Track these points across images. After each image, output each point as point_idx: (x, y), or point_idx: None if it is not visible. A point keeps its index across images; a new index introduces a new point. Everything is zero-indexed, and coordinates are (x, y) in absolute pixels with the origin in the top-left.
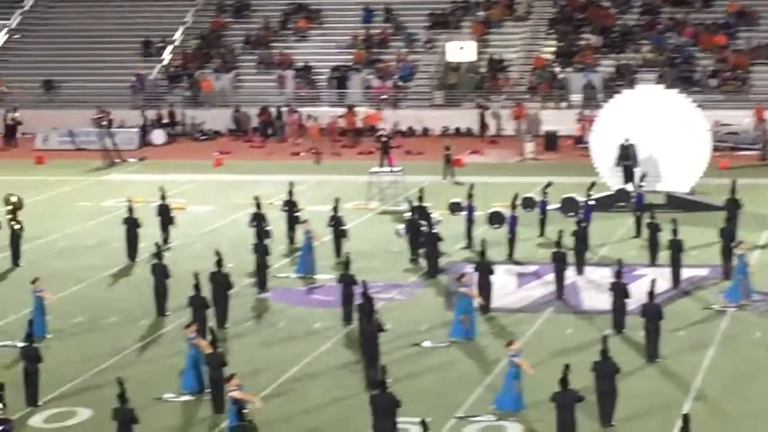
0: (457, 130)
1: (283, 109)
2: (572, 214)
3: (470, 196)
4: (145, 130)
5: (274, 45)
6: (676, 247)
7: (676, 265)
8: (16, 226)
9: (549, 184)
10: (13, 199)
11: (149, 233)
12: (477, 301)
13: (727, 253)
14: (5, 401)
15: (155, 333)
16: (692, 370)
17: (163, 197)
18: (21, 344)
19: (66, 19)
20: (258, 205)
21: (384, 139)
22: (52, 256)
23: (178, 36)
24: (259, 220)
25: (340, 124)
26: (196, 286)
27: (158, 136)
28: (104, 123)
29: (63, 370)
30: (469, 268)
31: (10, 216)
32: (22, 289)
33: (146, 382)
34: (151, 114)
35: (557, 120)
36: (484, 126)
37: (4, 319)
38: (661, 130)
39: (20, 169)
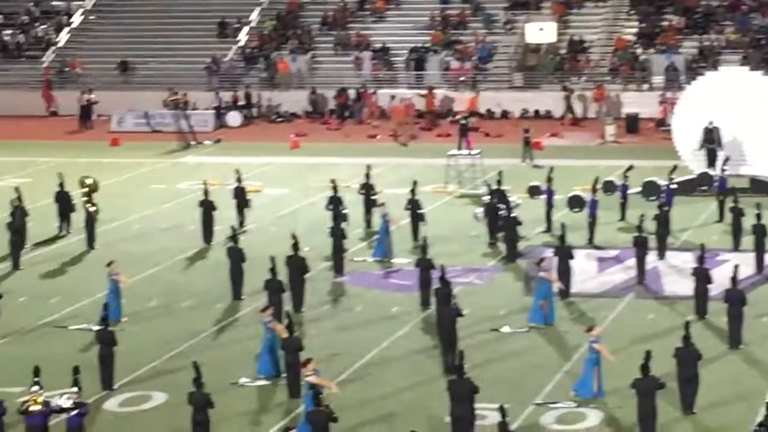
0: (537, 112)
1: (368, 90)
2: (654, 198)
3: (550, 179)
4: (219, 112)
5: (351, 26)
6: (759, 231)
7: (759, 250)
8: (92, 209)
9: (630, 168)
10: (89, 181)
11: (225, 216)
12: (556, 286)
13: None
14: (80, 385)
15: (231, 317)
16: None
17: (239, 180)
18: (96, 328)
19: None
20: (335, 188)
21: (462, 121)
22: (127, 238)
23: (254, 17)
24: (335, 203)
25: (418, 106)
26: (272, 270)
27: (234, 118)
28: (180, 105)
29: (138, 354)
30: (549, 253)
31: (85, 198)
32: (97, 272)
33: (222, 367)
34: (226, 96)
35: (638, 102)
36: (569, 109)
37: (79, 303)
38: (745, 112)
39: (95, 151)
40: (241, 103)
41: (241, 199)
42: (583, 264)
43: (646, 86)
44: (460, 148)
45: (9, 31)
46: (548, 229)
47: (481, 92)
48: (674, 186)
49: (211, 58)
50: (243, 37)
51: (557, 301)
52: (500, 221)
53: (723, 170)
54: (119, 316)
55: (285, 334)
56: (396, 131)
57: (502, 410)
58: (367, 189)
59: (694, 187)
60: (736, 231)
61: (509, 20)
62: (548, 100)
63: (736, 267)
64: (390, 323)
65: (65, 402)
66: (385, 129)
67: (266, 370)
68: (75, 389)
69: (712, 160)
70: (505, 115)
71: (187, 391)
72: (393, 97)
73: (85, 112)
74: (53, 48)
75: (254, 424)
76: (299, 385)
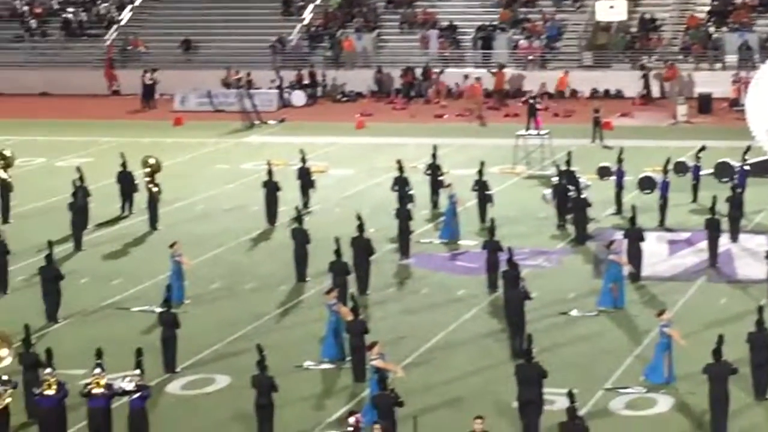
0: (607, 92)
1: (433, 69)
2: (726, 179)
3: (620, 160)
4: (282, 92)
5: (417, 4)
6: None
7: None
8: (154, 189)
9: (702, 149)
10: (151, 161)
11: (289, 197)
12: (627, 269)
13: None
14: (143, 367)
15: (295, 299)
16: None
17: (303, 160)
18: (158, 309)
19: None
20: (401, 169)
21: (531, 101)
22: (190, 219)
23: None
24: (401, 184)
25: (486, 85)
26: (337, 252)
27: (298, 97)
28: (243, 84)
29: (201, 337)
30: (619, 235)
31: (148, 179)
32: (159, 253)
33: (285, 350)
34: (291, 75)
35: (711, 82)
36: (647, 88)
37: (142, 284)
38: None
39: (158, 131)
40: (306, 82)
41: (306, 179)
42: (653, 247)
43: (718, 65)
44: (528, 128)
45: (71, 9)
46: (618, 211)
47: (543, 71)
48: (747, 167)
49: (277, 37)
50: (308, 15)
51: (627, 284)
52: (569, 203)
53: None
54: (182, 298)
55: (350, 317)
56: (474, 111)
57: (570, 395)
58: (434, 169)
59: None
60: None
61: None
62: (619, 79)
63: None
64: (456, 306)
65: (128, 385)
66: (453, 108)
67: (331, 354)
68: (137, 372)
69: None
70: (574, 94)
71: (251, 375)
72: (466, 76)
73: (148, 91)
74: (115, 26)
75: (318, 409)
76: (364, 369)
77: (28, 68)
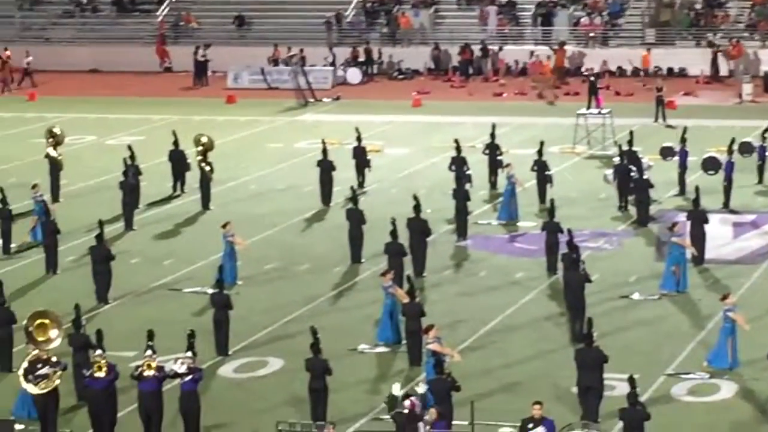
0: (670, 70)
1: (494, 47)
2: None
3: (683, 140)
4: (336, 68)
5: None
6: None
7: None
8: (207, 168)
9: None
10: (204, 139)
11: (344, 177)
12: (690, 252)
13: None
14: (195, 350)
15: (350, 281)
16: None
17: (358, 139)
18: (211, 291)
19: None
20: (458, 148)
21: (592, 79)
22: (243, 199)
23: None
24: (459, 163)
25: (546, 63)
26: (393, 233)
27: (354, 75)
28: (296, 61)
29: (254, 319)
30: (682, 217)
31: (200, 157)
32: (212, 233)
33: (340, 332)
34: (345, 52)
35: None
36: (715, 66)
37: (194, 265)
38: None
39: (211, 108)
40: (361, 59)
41: (361, 159)
42: (717, 229)
43: None
44: (589, 107)
45: None
46: (681, 192)
47: (605, 49)
48: None
49: (333, 13)
50: None
51: (690, 267)
52: (631, 184)
53: None
54: (235, 279)
55: (406, 300)
56: (542, 88)
57: (631, 381)
58: (492, 149)
59: None
60: None
61: None
62: (682, 57)
63: None
64: (515, 289)
65: (179, 367)
66: (512, 86)
67: (386, 337)
68: (189, 354)
69: None
70: (636, 72)
71: (305, 358)
72: (533, 53)
73: (200, 68)
74: (167, 1)
75: (373, 392)
76: (420, 353)
77: (78, 44)
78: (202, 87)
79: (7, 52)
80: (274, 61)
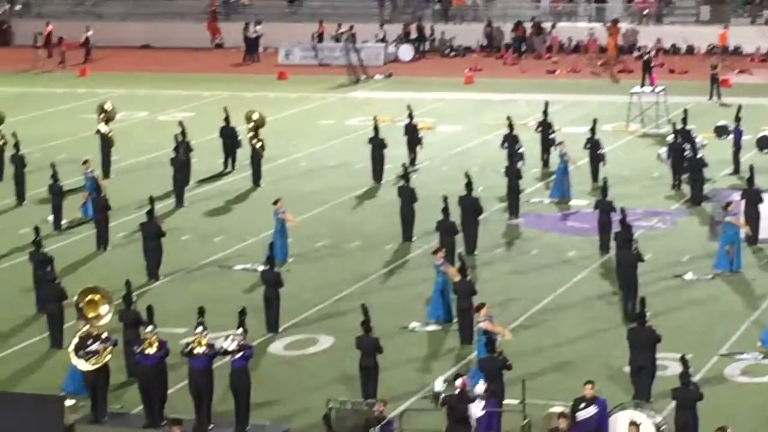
0: (725, 47)
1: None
2: None
3: (738, 118)
4: (387, 45)
5: None
6: None
7: None
8: (258, 145)
9: None
10: (255, 116)
11: (395, 154)
12: (744, 231)
13: None
14: (246, 327)
15: (401, 259)
16: None
17: (410, 116)
18: (261, 268)
19: None
20: (510, 126)
21: (646, 57)
22: (294, 176)
23: None
24: (511, 141)
25: (600, 41)
26: (445, 210)
27: (406, 51)
28: (347, 38)
29: (304, 296)
30: (736, 196)
31: (251, 134)
32: (262, 210)
33: (391, 310)
34: (397, 29)
35: None
36: None
37: (244, 242)
38: None
39: (262, 85)
40: (413, 36)
41: (413, 136)
42: None
43: None
44: (643, 85)
45: None
46: (736, 171)
47: (659, 26)
48: None
49: None
50: None
51: (744, 247)
52: (685, 162)
53: None
54: (285, 257)
55: (457, 278)
56: (606, 65)
57: (684, 361)
58: (545, 127)
59: None
60: None
61: None
62: (737, 35)
63: None
64: (567, 268)
65: (230, 344)
66: (565, 64)
67: (437, 315)
68: (240, 331)
69: None
70: (690, 50)
71: (355, 335)
72: (591, 33)
73: (251, 44)
74: None
75: (424, 371)
76: (471, 331)
77: (130, 20)
78: (252, 63)
79: (49, 27)
80: (319, 36)
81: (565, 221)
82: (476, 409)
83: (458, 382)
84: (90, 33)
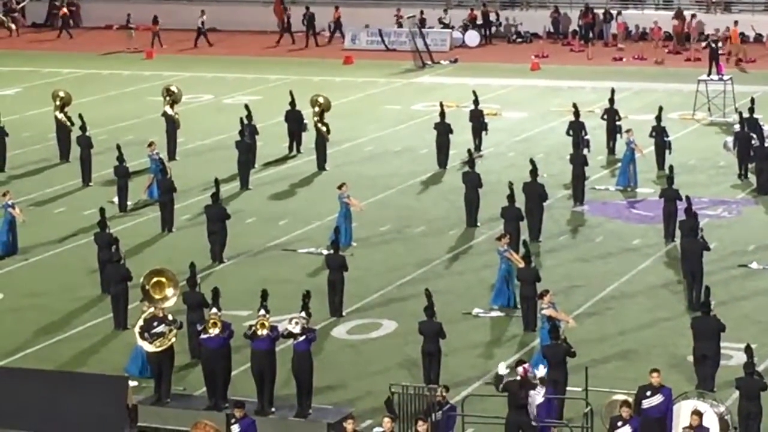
0: None
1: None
2: None
3: None
4: (452, 31)
5: None
6: None
7: None
8: (323, 129)
9: None
10: (321, 100)
11: (461, 140)
12: None
13: None
14: (309, 310)
15: (465, 244)
16: None
17: (476, 102)
18: (326, 252)
19: None
20: (576, 113)
21: (713, 45)
22: (359, 160)
23: None
24: (577, 128)
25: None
26: (510, 197)
27: (472, 37)
28: (414, 23)
29: (368, 280)
30: None
31: (317, 118)
32: (327, 194)
33: (454, 296)
34: (463, 14)
35: None
36: None
37: (309, 225)
38: None
39: (328, 69)
40: (479, 22)
41: (478, 122)
42: None
43: None
44: (710, 74)
45: None
46: None
47: (727, 14)
48: None
49: None
50: None
51: None
52: (751, 151)
53: None
54: (350, 241)
55: (521, 264)
56: (735, 56)
57: (749, 350)
58: (611, 114)
59: None
60: None
61: None
62: None
63: None
64: (631, 256)
65: (293, 327)
66: (631, 51)
67: (501, 301)
68: (304, 315)
69: None
70: (759, 38)
71: (418, 320)
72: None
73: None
74: None
75: (486, 357)
76: (535, 318)
77: (196, 3)
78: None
79: (64, 10)
80: (398, 22)
81: (630, 209)
82: (537, 397)
83: (520, 369)
84: (203, 18)
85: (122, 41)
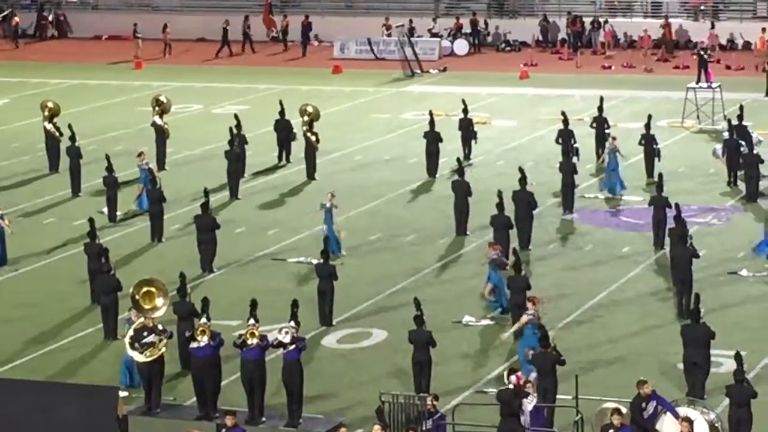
0: None
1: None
2: None
3: None
4: (441, 39)
5: None
6: None
7: None
8: (312, 138)
9: None
10: (310, 109)
11: (450, 148)
12: None
13: None
14: (299, 319)
15: (455, 253)
16: None
17: (465, 111)
18: (315, 261)
19: None
20: (565, 121)
21: (702, 53)
22: (349, 169)
23: None
24: (566, 136)
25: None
26: (499, 205)
27: (461, 46)
28: (402, 32)
29: (358, 289)
30: None
31: (305, 127)
32: (317, 203)
33: (444, 305)
34: (450, 23)
35: None
36: None
37: (298, 235)
38: None
39: (317, 79)
40: (467, 30)
41: (467, 130)
42: None
43: None
44: (699, 81)
45: None
46: None
47: (715, 22)
48: None
49: None
50: None
51: None
52: (740, 159)
53: None
54: (339, 250)
55: (512, 273)
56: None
57: (738, 358)
58: (600, 122)
59: None
60: None
61: None
62: None
63: None
64: (621, 263)
65: (283, 336)
66: (620, 59)
67: (499, 304)
68: (293, 324)
69: None
70: (747, 46)
71: (408, 329)
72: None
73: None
74: None
75: (477, 365)
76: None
77: (186, 13)
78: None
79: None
80: (388, 31)
81: (619, 216)
82: (530, 405)
83: (513, 378)
84: (228, 27)
85: (127, 50)
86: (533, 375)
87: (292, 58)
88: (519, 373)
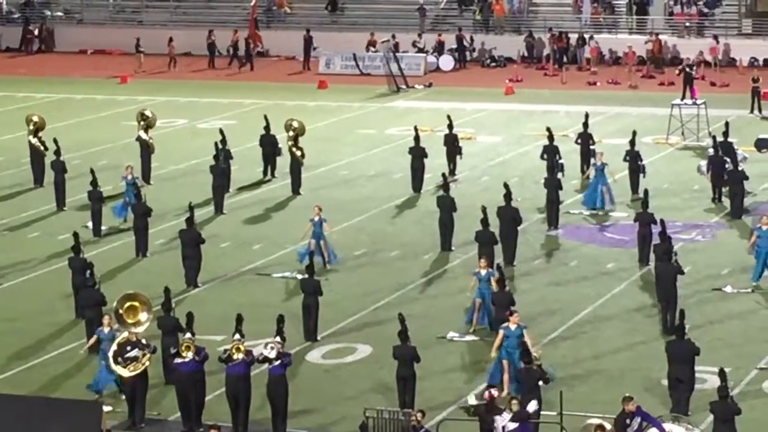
0: (767, 61)
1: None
2: None
3: None
4: (426, 55)
5: None
6: None
7: None
8: (298, 153)
9: None
10: (295, 124)
11: (435, 164)
12: None
13: None
14: (284, 334)
15: (440, 268)
16: None
17: (450, 126)
18: (300, 276)
19: None
20: (550, 137)
21: (687, 69)
22: (334, 184)
23: None
24: (550, 152)
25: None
26: (484, 221)
27: (446, 62)
28: (388, 47)
29: (342, 305)
30: None
31: (291, 142)
32: (301, 218)
33: (429, 320)
34: (432, 39)
35: None
36: None
37: (284, 250)
38: None
39: (302, 94)
40: (452, 46)
41: (452, 146)
42: None
43: None
44: (684, 98)
45: None
46: None
47: (700, 39)
48: None
49: None
50: None
51: None
52: (725, 175)
53: None
54: (335, 259)
55: (496, 288)
56: None
57: (722, 374)
58: (585, 138)
59: None
60: None
61: None
62: None
63: None
64: (606, 279)
65: (268, 351)
66: (605, 75)
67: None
68: (278, 339)
69: None
70: (732, 63)
71: (393, 345)
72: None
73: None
74: None
75: (461, 381)
76: None
77: (171, 27)
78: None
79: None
80: (372, 46)
81: (604, 233)
82: (502, 421)
83: (486, 394)
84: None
85: (112, 65)
86: (532, 405)
87: (292, 72)
88: (493, 390)
